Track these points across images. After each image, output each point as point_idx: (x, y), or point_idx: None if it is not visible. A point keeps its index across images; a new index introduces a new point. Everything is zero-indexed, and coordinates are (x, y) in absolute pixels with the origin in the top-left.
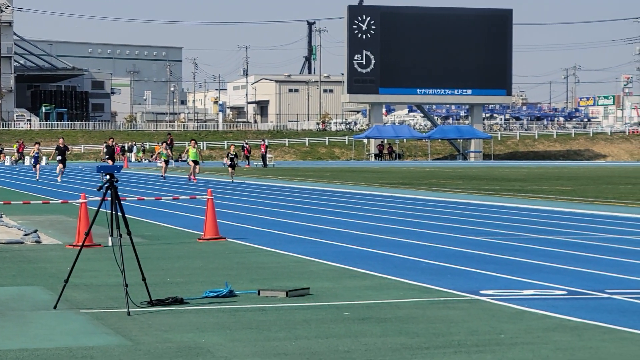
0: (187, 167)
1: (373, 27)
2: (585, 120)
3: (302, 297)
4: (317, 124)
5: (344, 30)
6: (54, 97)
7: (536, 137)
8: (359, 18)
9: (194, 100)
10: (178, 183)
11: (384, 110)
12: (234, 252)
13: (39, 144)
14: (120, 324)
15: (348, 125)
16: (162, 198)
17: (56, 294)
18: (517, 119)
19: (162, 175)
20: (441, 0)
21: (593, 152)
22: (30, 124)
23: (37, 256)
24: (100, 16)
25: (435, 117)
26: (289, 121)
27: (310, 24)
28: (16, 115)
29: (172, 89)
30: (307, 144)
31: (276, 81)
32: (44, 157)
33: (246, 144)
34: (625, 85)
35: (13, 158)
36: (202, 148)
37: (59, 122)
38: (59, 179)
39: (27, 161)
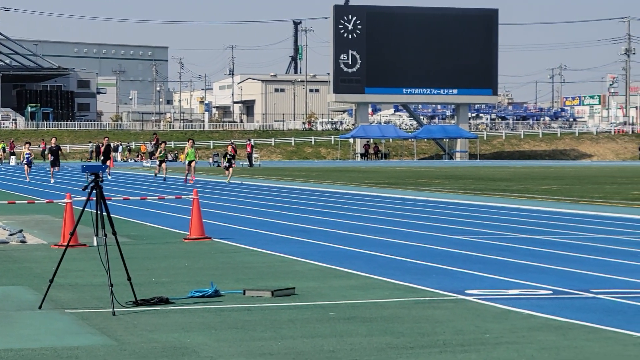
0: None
1: (359, 26)
2: (571, 120)
3: (288, 297)
4: (303, 123)
5: (330, 29)
6: (40, 97)
7: (522, 136)
8: (345, 18)
9: (180, 100)
10: (176, 184)
11: (370, 110)
12: (220, 252)
13: (29, 143)
14: (106, 324)
15: (334, 125)
16: (148, 198)
17: (41, 294)
18: (503, 118)
19: (155, 174)
20: (428, 0)
21: (579, 152)
22: (15, 123)
23: (22, 256)
24: (86, 16)
25: (421, 117)
26: (275, 121)
27: (296, 24)
28: (1, 115)
29: (158, 88)
30: (293, 144)
31: (262, 81)
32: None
33: (232, 143)
34: (610, 85)
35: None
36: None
37: (45, 122)
38: (52, 180)
39: (13, 161)
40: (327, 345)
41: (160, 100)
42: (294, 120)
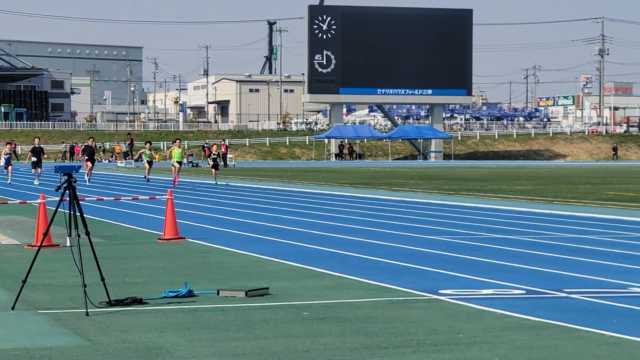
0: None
1: (334, 27)
2: (545, 120)
3: (261, 297)
4: (278, 123)
5: (304, 30)
6: (13, 97)
7: (496, 137)
8: (320, 18)
9: (154, 100)
10: (162, 185)
11: (344, 110)
12: (194, 252)
13: (10, 143)
14: (79, 324)
15: (309, 125)
16: (122, 198)
17: (14, 295)
18: (477, 118)
19: (144, 177)
20: (402, 0)
21: (553, 152)
22: None
23: None
24: (60, 16)
25: (396, 117)
26: (250, 121)
27: (271, 24)
28: None
29: (132, 88)
30: (267, 144)
31: (237, 81)
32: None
33: (206, 143)
34: (584, 85)
35: None
36: (162, 148)
37: (18, 122)
38: (35, 182)
39: None
40: (301, 345)
41: (135, 100)
42: (269, 120)
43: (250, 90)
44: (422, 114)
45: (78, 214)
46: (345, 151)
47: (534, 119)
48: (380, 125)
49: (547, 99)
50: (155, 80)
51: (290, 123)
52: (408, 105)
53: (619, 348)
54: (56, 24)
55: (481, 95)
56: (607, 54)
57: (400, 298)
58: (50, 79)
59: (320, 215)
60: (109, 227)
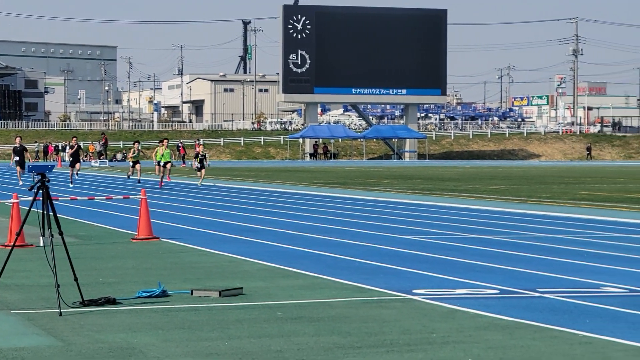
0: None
1: (308, 26)
2: (519, 120)
3: (235, 297)
4: (253, 123)
5: (279, 29)
6: None
7: (470, 136)
8: (294, 18)
9: (128, 100)
10: (151, 187)
11: (319, 110)
12: (168, 252)
13: None
14: (52, 324)
15: (283, 125)
16: (96, 198)
17: None
18: (452, 118)
19: (129, 176)
20: (377, 0)
21: (527, 152)
22: None
23: None
24: (34, 15)
25: (371, 117)
26: (224, 121)
27: (246, 24)
28: None
29: (106, 88)
30: (242, 144)
31: (211, 81)
32: None
33: (181, 143)
34: (558, 85)
35: None
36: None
37: None
38: (20, 182)
39: None
40: (275, 345)
41: (109, 100)
42: (243, 120)
43: (225, 90)
44: (396, 114)
45: (51, 213)
46: (320, 151)
47: (508, 119)
48: (355, 125)
49: (522, 98)
50: (130, 79)
51: (265, 123)
52: (383, 105)
53: (591, 347)
54: (30, 23)
55: (456, 95)
56: (581, 54)
57: (374, 298)
58: (24, 78)
59: (294, 215)
60: (83, 227)
